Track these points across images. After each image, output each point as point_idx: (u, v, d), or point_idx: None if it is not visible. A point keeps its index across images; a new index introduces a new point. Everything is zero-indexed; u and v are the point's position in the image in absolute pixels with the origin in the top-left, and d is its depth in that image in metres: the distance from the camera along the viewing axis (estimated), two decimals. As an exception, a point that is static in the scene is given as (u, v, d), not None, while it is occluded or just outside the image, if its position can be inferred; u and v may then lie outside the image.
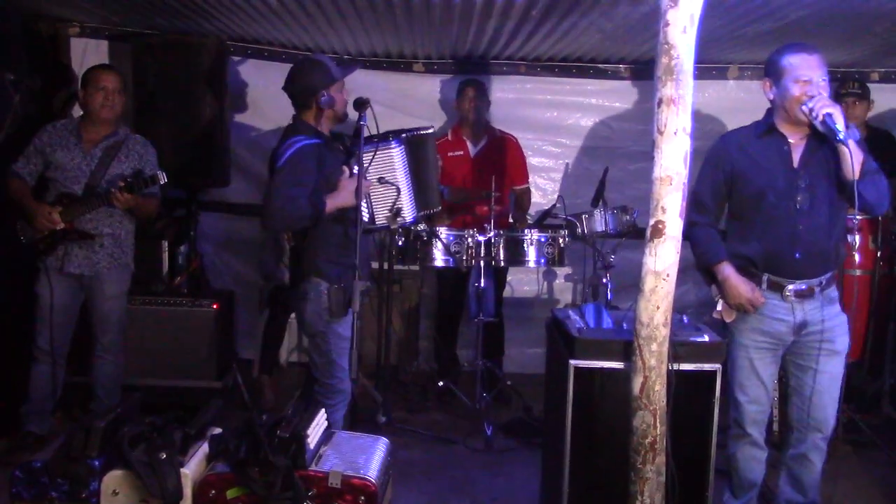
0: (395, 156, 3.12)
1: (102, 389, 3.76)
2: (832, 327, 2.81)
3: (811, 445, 2.87)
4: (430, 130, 3.35)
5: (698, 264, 2.93)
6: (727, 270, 2.81)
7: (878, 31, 3.81)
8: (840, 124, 2.55)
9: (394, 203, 3.13)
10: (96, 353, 3.76)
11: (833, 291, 2.85)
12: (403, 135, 3.20)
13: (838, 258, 2.86)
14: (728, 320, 2.88)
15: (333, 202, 3.03)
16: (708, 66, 4.91)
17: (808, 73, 2.68)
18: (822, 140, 2.70)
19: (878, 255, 4.00)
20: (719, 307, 2.88)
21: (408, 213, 3.17)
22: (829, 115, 2.57)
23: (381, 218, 3.16)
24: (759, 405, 2.89)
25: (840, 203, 2.78)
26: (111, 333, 3.74)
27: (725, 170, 2.86)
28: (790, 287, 2.78)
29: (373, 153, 3.10)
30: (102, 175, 3.61)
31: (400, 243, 4.21)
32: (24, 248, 3.60)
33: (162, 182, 3.53)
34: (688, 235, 2.81)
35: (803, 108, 2.65)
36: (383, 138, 3.15)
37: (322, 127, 3.14)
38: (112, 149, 3.66)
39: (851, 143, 2.56)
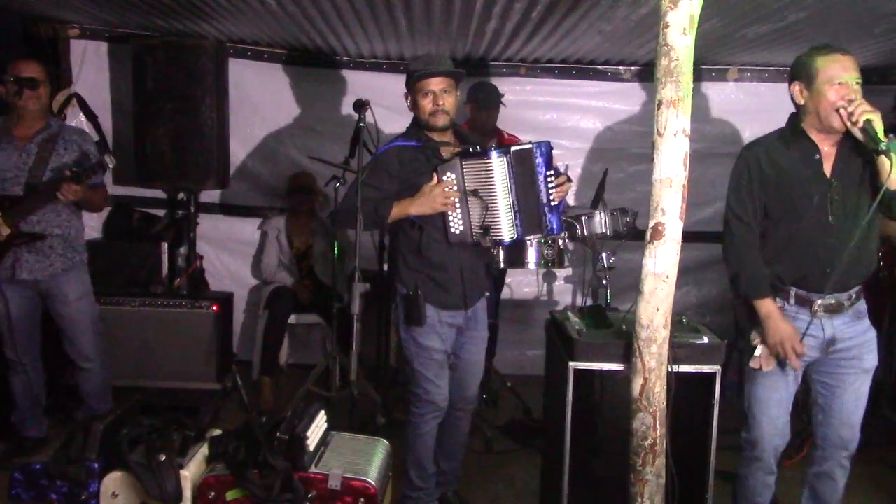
0: (493, 168, 2.86)
1: (92, 398, 3.60)
2: (861, 344, 2.66)
3: (835, 464, 2.75)
4: (529, 145, 2.97)
5: (741, 291, 2.67)
6: (771, 306, 2.60)
7: (877, 33, 3.81)
8: (881, 132, 2.40)
9: (483, 219, 2.90)
10: (78, 364, 3.57)
11: (861, 305, 2.69)
12: (513, 148, 2.94)
13: (869, 269, 2.70)
14: (767, 368, 2.65)
15: (406, 208, 2.93)
16: (708, 68, 4.90)
17: (843, 76, 2.49)
18: (855, 146, 2.55)
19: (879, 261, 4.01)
20: (758, 352, 2.64)
21: (504, 232, 2.89)
22: (870, 121, 2.40)
23: (474, 233, 2.95)
24: (776, 427, 2.74)
25: (871, 212, 2.61)
26: (86, 337, 3.55)
27: (756, 180, 2.66)
28: (819, 302, 2.60)
29: (470, 163, 2.90)
30: (42, 172, 3.38)
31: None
32: None
33: (111, 166, 3.36)
34: (730, 256, 2.68)
35: (840, 112, 2.47)
36: (486, 149, 2.92)
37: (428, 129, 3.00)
38: (48, 142, 3.43)
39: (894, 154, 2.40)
